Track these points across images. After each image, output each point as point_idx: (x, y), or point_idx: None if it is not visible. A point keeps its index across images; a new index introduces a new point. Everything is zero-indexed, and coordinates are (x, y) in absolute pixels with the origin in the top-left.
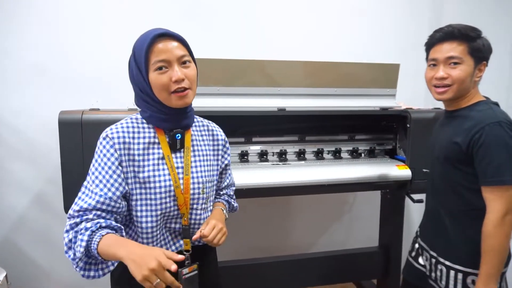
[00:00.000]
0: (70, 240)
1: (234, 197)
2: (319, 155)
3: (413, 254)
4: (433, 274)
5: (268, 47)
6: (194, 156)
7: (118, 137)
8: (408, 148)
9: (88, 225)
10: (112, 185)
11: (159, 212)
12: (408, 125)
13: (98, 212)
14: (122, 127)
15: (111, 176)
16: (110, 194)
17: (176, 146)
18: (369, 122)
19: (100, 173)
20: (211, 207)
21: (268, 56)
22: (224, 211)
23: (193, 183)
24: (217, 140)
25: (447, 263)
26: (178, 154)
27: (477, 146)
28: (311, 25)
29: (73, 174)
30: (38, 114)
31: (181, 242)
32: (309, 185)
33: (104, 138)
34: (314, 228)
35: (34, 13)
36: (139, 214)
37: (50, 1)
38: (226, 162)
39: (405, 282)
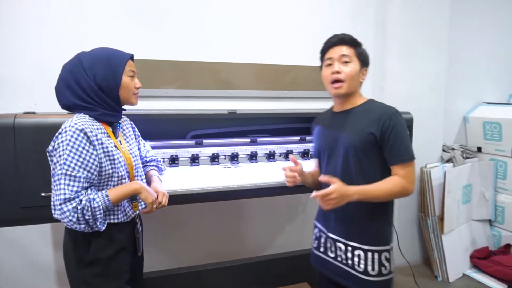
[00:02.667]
0: (78, 218)
1: (159, 160)
2: (271, 157)
3: (322, 249)
4: (349, 262)
5: (220, 49)
6: (127, 140)
7: (86, 127)
8: None
9: (91, 196)
10: (90, 167)
11: (121, 182)
12: None
13: (85, 189)
14: (82, 120)
15: (88, 161)
16: (90, 174)
17: (117, 134)
18: None
19: (78, 160)
20: (142, 174)
21: (219, 59)
22: (159, 177)
23: (134, 160)
24: (131, 125)
25: (364, 247)
26: (118, 139)
27: (389, 132)
28: (263, 28)
29: (4, 183)
30: None
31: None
32: (262, 188)
33: (71, 130)
34: (268, 230)
35: None
36: (105, 187)
37: None
38: (137, 137)
39: (321, 275)
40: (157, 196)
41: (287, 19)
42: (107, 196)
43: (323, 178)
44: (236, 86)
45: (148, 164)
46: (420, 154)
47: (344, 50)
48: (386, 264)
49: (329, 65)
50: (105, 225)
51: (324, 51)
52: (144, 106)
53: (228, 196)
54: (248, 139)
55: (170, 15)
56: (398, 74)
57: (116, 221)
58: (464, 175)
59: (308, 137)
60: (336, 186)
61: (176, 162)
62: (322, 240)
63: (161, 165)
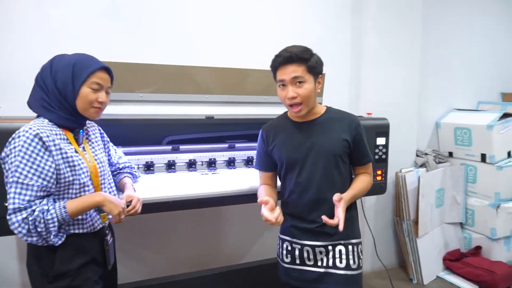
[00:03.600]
0: (29, 229)
1: (133, 167)
2: (249, 163)
3: (298, 261)
4: (330, 262)
5: (197, 53)
6: (93, 146)
7: (42, 132)
8: None
9: (46, 207)
10: (46, 174)
11: (82, 194)
12: None
13: (40, 199)
14: (39, 125)
15: (43, 168)
16: (45, 182)
17: (80, 140)
18: None
19: (31, 167)
20: (111, 181)
21: (197, 63)
22: (133, 185)
23: (100, 167)
24: (99, 131)
25: (344, 241)
26: (81, 146)
27: (358, 138)
28: (241, 33)
29: None
30: None
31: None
32: (240, 195)
33: (25, 135)
34: (246, 238)
35: None
36: (66, 196)
37: None
38: (106, 143)
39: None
40: (130, 203)
41: (266, 24)
42: (64, 207)
43: (326, 219)
44: (214, 91)
45: (121, 171)
46: (395, 159)
47: (295, 70)
48: (361, 256)
49: (283, 85)
50: (63, 238)
51: (274, 70)
52: (117, 110)
53: (205, 203)
54: (226, 145)
55: (146, 18)
56: (374, 81)
57: (81, 231)
58: (437, 179)
59: None
60: (341, 204)
61: (151, 168)
62: (297, 252)
63: (135, 172)
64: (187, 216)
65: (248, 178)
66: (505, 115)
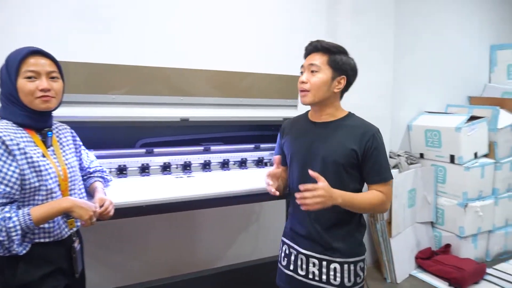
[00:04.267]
0: None
1: (104, 170)
2: (224, 165)
3: (292, 267)
4: (324, 277)
5: (172, 54)
6: (64, 150)
7: (5, 135)
8: None
9: (7, 215)
10: (9, 180)
11: (49, 200)
12: None
13: (2, 206)
14: (2, 128)
15: (6, 174)
16: (8, 189)
17: (49, 142)
18: (273, 132)
19: None
20: (82, 187)
21: (171, 64)
22: (104, 189)
23: (70, 172)
24: (71, 134)
25: (341, 259)
26: (51, 148)
27: (371, 150)
28: (217, 34)
29: None
30: None
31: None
32: (215, 198)
33: None
34: (221, 241)
35: None
36: (32, 203)
37: None
38: (78, 146)
39: None
40: (103, 205)
41: (242, 26)
42: (28, 215)
43: (312, 173)
44: (189, 93)
45: (91, 175)
46: None
47: (315, 58)
48: (361, 273)
49: (301, 72)
50: (27, 248)
51: (304, 59)
52: (89, 112)
53: (180, 207)
54: (201, 148)
55: (118, 17)
56: None
57: (47, 240)
58: (409, 180)
59: (262, 145)
60: (325, 183)
61: (124, 172)
62: (292, 257)
63: (106, 175)
64: (161, 220)
65: (224, 181)
66: (472, 118)
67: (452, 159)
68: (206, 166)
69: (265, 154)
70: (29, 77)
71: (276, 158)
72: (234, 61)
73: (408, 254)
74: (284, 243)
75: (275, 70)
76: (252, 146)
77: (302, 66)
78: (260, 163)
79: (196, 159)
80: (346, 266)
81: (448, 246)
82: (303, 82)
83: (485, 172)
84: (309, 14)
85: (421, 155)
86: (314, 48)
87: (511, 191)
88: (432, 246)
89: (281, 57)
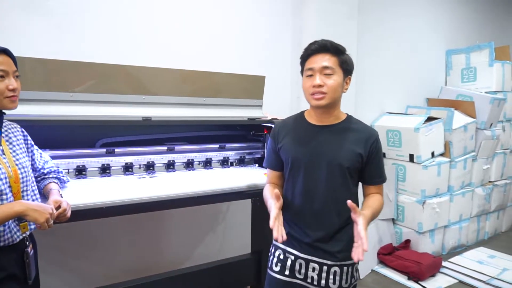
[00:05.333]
0: None
1: (60, 171)
2: (189, 165)
3: (287, 272)
4: (323, 281)
5: (134, 52)
6: (14, 150)
7: None
8: None
9: None
10: None
11: (1, 199)
12: None
13: None
14: None
15: None
16: None
17: None
18: (239, 132)
19: None
20: (35, 188)
21: (133, 62)
22: (60, 191)
23: (21, 173)
24: (22, 133)
25: (341, 262)
26: (0, 149)
27: (374, 153)
28: (182, 32)
29: None
30: None
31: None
32: (180, 198)
33: None
34: (188, 241)
35: None
36: None
37: None
38: (29, 146)
39: None
40: (59, 207)
41: (207, 25)
42: None
43: (351, 204)
44: (152, 92)
45: (46, 177)
46: None
47: (326, 60)
48: (355, 274)
49: (310, 75)
50: None
51: (304, 59)
52: (45, 111)
53: (143, 208)
54: (165, 147)
55: (78, 11)
56: None
57: None
58: None
59: (228, 145)
60: (362, 219)
61: (83, 173)
62: (289, 262)
63: (63, 176)
64: (124, 222)
65: (188, 181)
66: (429, 119)
67: (411, 158)
68: (170, 166)
69: (230, 154)
70: (1, 76)
71: (276, 193)
72: (199, 60)
73: (371, 251)
74: (277, 248)
75: (240, 70)
76: (217, 146)
77: (309, 69)
78: (225, 163)
79: (160, 159)
80: (345, 268)
81: (408, 241)
82: (319, 86)
83: (441, 170)
84: (275, 15)
85: (384, 155)
86: (322, 47)
87: (464, 187)
88: (393, 242)
89: (246, 57)
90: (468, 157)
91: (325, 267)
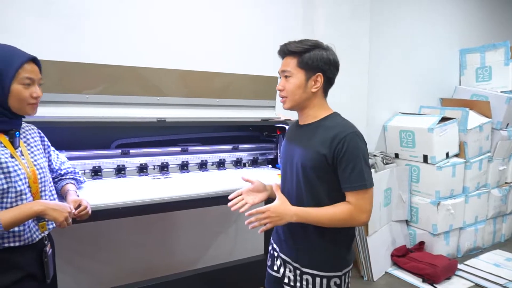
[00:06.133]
0: None
1: (77, 172)
2: (203, 166)
3: (275, 268)
4: (298, 284)
5: (149, 54)
6: (32, 151)
7: None
8: None
9: None
10: None
11: (19, 203)
12: None
13: None
14: None
15: None
16: None
17: (17, 143)
18: (252, 133)
19: None
20: (52, 188)
21: (148, 64)
22: (77, 191)
23: (39, 173)
24: (39, 134)
25: (312, 271)
26: (18, 150)
27: (341, 155)
28: (195, 34)
29: None
30: None
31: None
32: (195, 199)
33: None
34: (199, 242)
35: None
36: (0, 206)
37: None
38: (46, 147)
39: None
40: (78, 206)
41: (220, 26)
42: None
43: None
44: (166, 93)
45: (63, 177)
46: None
47: (285, 64)
48: None
49: (280, 78)
50: None
51: None
52: (62, 112)
53: (158, 209)
54: (178, 148)
55: (92, 14)
56: None
57: (17, 244)
58: (385, 179)
59: (240, 146)
60: (273, 204)
61: (99, 174)
62: (275, 259)
63: (79, 177)
64: (135, 223)
65: (202, 182)
66: (444, 119)
67: (425, 159)
68: (184, 167)
69: (243, 155)
70: (27, 84)
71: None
72: (212, 61)
73: (384, 252)
74: (270, 243)
75: (253, 71)
76: (230, 146)
77: (278, 73)
78: (238, 163)
79: (174, 160)
80: (318, 279)
81: (422, 243)
82: (279, 90)
83: (456, 171)
84: (286, 16)
85: (396, 155)
86: (281, 53)
87: (480, 189)
88: (407, 244)
89: (259, 58)
90: (484, 158)
91: (298, 271)
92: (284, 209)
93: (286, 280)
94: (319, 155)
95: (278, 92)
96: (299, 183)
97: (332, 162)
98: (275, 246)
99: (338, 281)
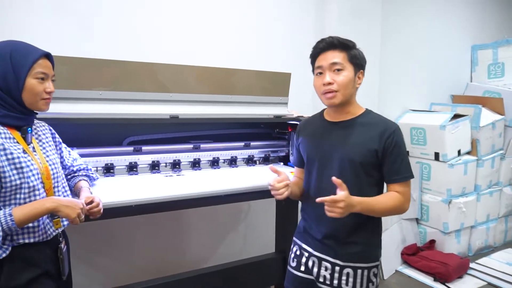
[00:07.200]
0: None
1: (89, 168)
2: (214, 164)
3: (303, 268)
4: (335, 282)
5: (161, 50)
6: (44, 147)
7: None
8: None
9: None
10: None
11: (32, 199)
12: None
13: None
14: None
15: None
16: None
17: (29, 139)
18: (263, 130)
19: None
20: (65, 185)
21: (160, 60)
22: (89, 188)
23: (52, 169)
24: (50, 131)
25: (355, 265)
26: (30, 146)
27: (390, 148)
28: (207, 30)
29: None
30: None
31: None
32: (208, 197)
33: None
34: (210, 240)
35: None
36: (13, 202)
37: None
38: (58, 144)
39: None
40: (91, 202)
41: (232, 22)
42: (10, 215)
43: (335, 180)
44: (178, 90)
45: (75, 174)
46: None
47: (335, 56)
48: (374, 279)
49: (320, 73)
50: (7, 251)
51: (313, 58)
52: (74, 109)
53: (170, 206)
54: (190, 146)
55: (105, 10)
56: None
57: (32, 240)
58: None
59: (252, 143)
60: (345, 193)
61: (111, 171)
62: (303, 259)
63: (92, 174)
64: (145, 221)
65: (215, 179)
66: (455, 116)
67: (436, 156)
68: (195, 164)
69: (255, 152)
70: (41, 79)
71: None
72: (224, 58)
73: (394, 251)
74: (295, 243)
75: (265, 67)
76: (242, 144)
77: (319, 67)
78: (250, 161)
79: (186, 157)
80: (359, 271)
81: (432, 241)
82: (329, 83)
83: (468, 169)
84: (298, 12)
85: (407, 153)
86: (329, 45)
87: (492, 187)
88: (417, 242)
89: (271, 54)
90: (496, 156)
91: (337, 268)
92: (351, 199)
93: (321, 279)
94: (371, 151)
95: (324, 88)
96: (343, 179)
97: (381, 156)
98: (304, 246)
99: (375, 271)
